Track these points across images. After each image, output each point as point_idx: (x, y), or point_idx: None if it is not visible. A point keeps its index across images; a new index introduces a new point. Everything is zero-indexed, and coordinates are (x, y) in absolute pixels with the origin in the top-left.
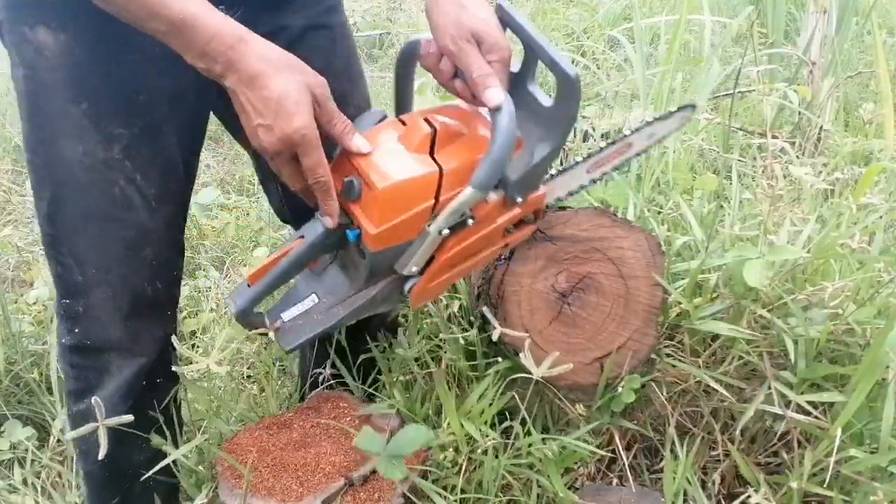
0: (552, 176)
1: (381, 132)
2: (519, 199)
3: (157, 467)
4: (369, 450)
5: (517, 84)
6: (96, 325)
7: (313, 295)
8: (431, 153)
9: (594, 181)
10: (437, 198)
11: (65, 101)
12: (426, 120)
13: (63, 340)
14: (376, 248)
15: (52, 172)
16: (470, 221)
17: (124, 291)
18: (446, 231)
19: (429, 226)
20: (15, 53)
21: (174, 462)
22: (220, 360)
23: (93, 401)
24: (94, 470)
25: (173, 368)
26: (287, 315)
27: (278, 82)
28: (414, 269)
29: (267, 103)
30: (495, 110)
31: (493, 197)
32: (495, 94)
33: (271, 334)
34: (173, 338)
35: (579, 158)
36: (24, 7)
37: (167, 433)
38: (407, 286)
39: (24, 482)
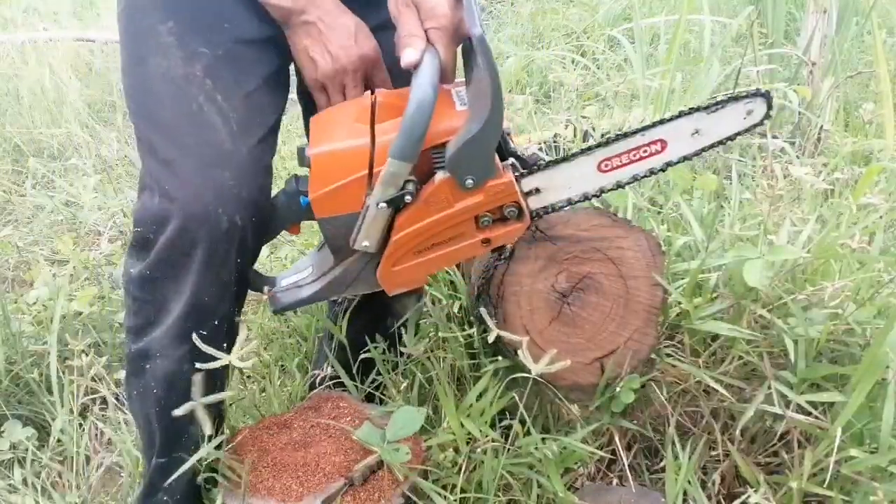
0: (542, 166)
1: (343, 105)
2: (469, 182)
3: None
4: (369, 442)
5: (470, 62)
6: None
7: (310, 267)
8: (372, 125)
9: (611, 187)
10: (371, 168)
11: (154, 21)
12: (371, 92)
13: (131, 270)
14: (320, 215)
15: (141, 85)
16: (408, 198)
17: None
18: (383, 205)
19: (367, 195)
20: None
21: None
22: (241, 355)
23: (193, 378)
24: (151, 412)
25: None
26: (284, 282)
27: (350, 16)
28: (365, 243)
29: (347, 28)
30: (414, 70)
31: (440, 176)
32: (410, 53)
33: (264, 297)
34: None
35: (578, 149)
36: None
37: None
38: (377, 269)
39: (24, 482)
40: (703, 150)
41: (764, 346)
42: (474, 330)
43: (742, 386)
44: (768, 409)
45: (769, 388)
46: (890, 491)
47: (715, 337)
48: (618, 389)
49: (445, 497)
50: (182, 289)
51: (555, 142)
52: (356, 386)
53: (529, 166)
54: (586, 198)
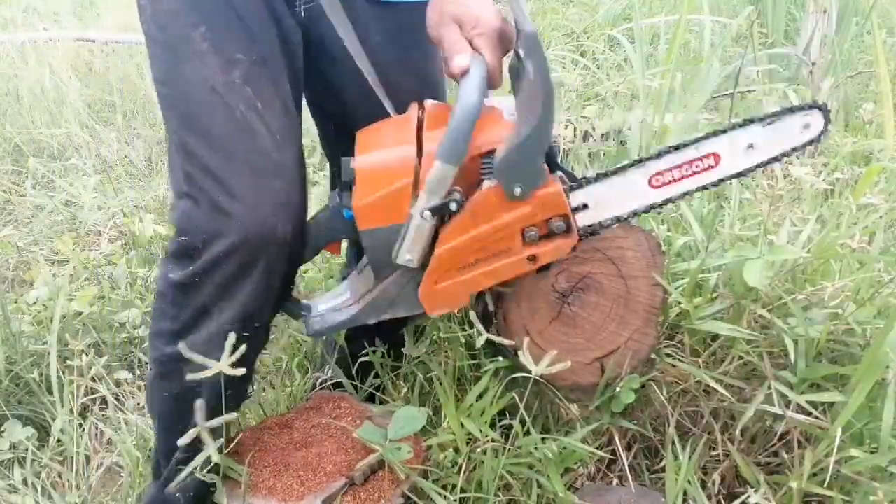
0: (591, 180)
1: (390, 119)
2: (517, 191)
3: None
4: (371, 440)
5: (519, 71)
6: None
7: (348, 292)
8: (419, 136)
9: (661, 203)
10: (416, 177)
11: (185, 26)
12: (419, 105)
13: (171, 275)
14: (363, 227)
15: (181, 94)
16: (453, 206)
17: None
18: (428, 213)
19: (412, 206)
20: None
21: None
22: (232, 362)
23: (196, 404)
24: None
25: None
26: (322, 307)
27: None
28: (408, 257)
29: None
30: (461, 77)
31: (487, 184)
32: (460, 59)
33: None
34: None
35: (630, 161)
36: None
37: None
38: (419, 287)
39: (25, 482)
40: (759, 166)
41: (764, 346)
42: (475, 330)
43: (742, 386)
44: (768, 409)
45: (769, 388)
46: (890, 491)
47: (715, 337)
48: (618, 389)
49: (445, 497)
50: (234, 296)
51: (555, 142)
52: (356, 387)
53: (577, 180)
54: (635, 214)
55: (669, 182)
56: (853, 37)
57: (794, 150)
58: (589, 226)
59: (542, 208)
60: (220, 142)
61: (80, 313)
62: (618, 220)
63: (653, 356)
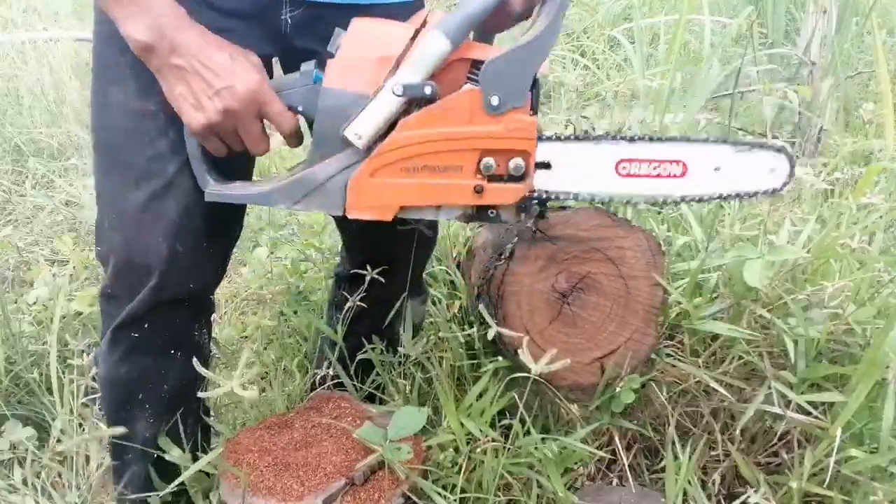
0: (563, 136)
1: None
2: (495, 100)
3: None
4: (371, 441)
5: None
6: (112, 269)
7: (269, 179)
8: (418, 31)
9: (623, 195)
10: (403, 54)
11: (115, 50)
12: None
13: (100, 286)
14: (327, 84)
15: (100, 117)
16: (428, 90)
17: (136, 241)
18: (400, 88)
19: (386, 80)
20: (95, 8)
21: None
22: (245, 383)
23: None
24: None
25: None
26: (235, 184)
27: (225, 49)
28: (358, 132)
29: (224, 65)
30: None
31: (467, 86)
32: None
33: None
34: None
35: (604, 133)
36: None
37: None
38: (351, 176)
39: (25, 482)
40: (720, 198)
41: (764, 346)
42: (474, 330)
43: (742, 386)
44: (768, 409)
45: (769, 388)
46: (890, 491)
47: (715, 337)
48: (618, 389)
49: (445, 497)
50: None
51: (544, 78)
52: (356, 387)
53: (548, 136)
54: (594, 199)
55: (636, 175)
56: (853, 37)
57: (755, 193)
58: (546, 190)
59: (511, 133)
60: (121, 164)
61: (80, 313)
62: (576, 197)
63: (653, 356)
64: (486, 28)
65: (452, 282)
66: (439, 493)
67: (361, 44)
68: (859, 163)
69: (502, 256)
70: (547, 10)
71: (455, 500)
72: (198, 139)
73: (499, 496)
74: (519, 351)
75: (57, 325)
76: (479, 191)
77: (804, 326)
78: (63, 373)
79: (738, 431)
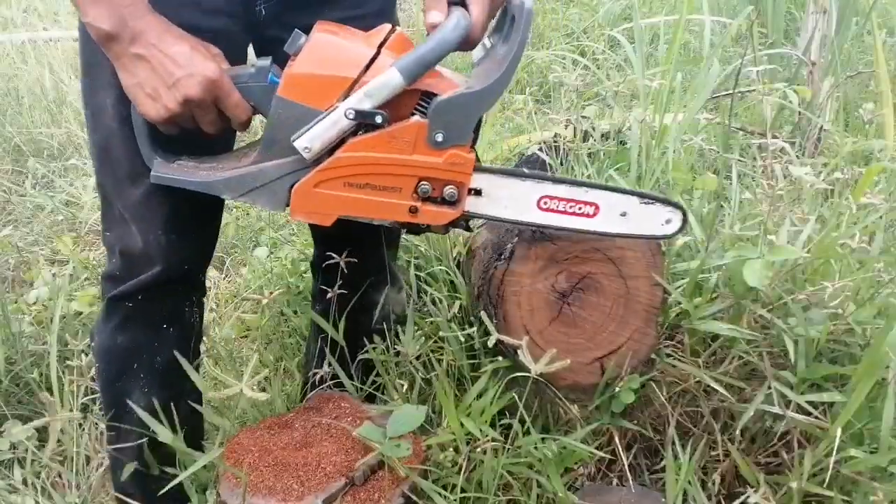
0: (495, 169)
1: (356, 30)
2: (439, 137)
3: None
4: (370, 438)
5: (499, 34)
6: (118, 257)
7: (215, 162)
8: (381, 46)
9: (540, 224)
10: (359, 77)
11: (101, 54)
12: (390, 29)
13: (103, 271)
14: (282, 93)
15: (93, 119)
16: (379, 119)
17: (138, 231)
18: (352, 113)
19: (340, 101)
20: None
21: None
22: (252, 385)
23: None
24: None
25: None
26: (182, 161)
27: (185, 40)
28: (307, 145)
29: (184, 54)
30: (431, 30)
31: (415, 118)
32: (434, 15)
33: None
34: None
35: (533, 172)
36: None
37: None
38: (296, 182)
39: (25, 482)
40: (622, 236)
41: (764, 346)
42: (474, 329)
43: (742, 386)
44: (768, 409)
45: (769, 388)
46: (890, 491)
47: (715, 337)
48: (618, 389)
49: (445, 497)
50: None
51: (555, 142)
52: (357, 388)
53: (482, 165)
54: (516, 224)
55: (553, 210)
56: (853, 37)
57: (653, 237)
58: (474, 213)
59: (450, 167)
60: (120, 165)
61: (80, 313)
62: (501, 221)
63: (653, 356)
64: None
65: (452, 282)
66: (439, 493)
67: (320, 58)
68: (859, 163)
69: (502, 256)
70: (503, 53)
71: (455, 500)
72: (158, 125)
73: (499, 496)
74: (519, 351)
75: (57, 325)
76: (413, 211)
77: (804, 326)
78: (63, 373)
79: (738, 431)
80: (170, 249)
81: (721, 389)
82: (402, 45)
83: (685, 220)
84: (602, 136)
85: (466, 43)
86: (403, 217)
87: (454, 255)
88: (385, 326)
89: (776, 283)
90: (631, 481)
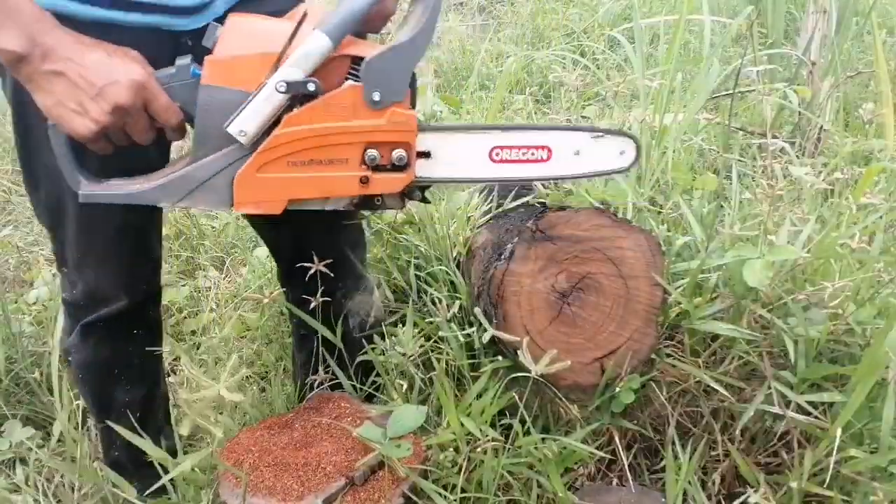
0: (440, 127)
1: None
2: (376, 96)
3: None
4: (370, 439)
5: (412, 9)
6: (81, 292)
7: (148, 175)
8: (299, 24)
9: (497, 179)
10: (283, 52)
11: (40, 118)
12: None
13: (63, 295)
14: (206, 82)
15: (43, 173)
16: (311, 86)
17: (101, 276)
18: (283, 85)
19: (268, 77)
20: (6, 71)
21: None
22: (230, 385)
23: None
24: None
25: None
26: (113, 181)
27: (101, 47)
28: (242, 129)
29: (102, 61)
30: None
31: (349, 83)
32: None
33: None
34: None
35: (478, 124)
36: None
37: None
38: (237, 173)
39: (27, 481)
40: (578, 177)
41: (764, 346)
42: (474, 330)
43: (742, 386)
44: (768, 409)
45: (769, 388)
46: (890, 491)
47: (715, 337)
48: (618, 389)
49: (445, 497)
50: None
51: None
52: (357, 388)
53: (428, 124)
54: (472, 182)
55: (507, 161)
56: (853, 37)
57: (610, 172)
58: (427, 177)
59: (393, 126)
60: (73, 218)
61: None
62: (456, 182)
63: (653, 356)
64: (362, 28)
65: (452, 282)
66: (439, 494)
67: (240, 40)
68: (859, 163)
69: (502, 256)
70: (421, 9)
71: (455, 501)
72: (87, 144)
73: (499, 496)
74: (519, 351)
75: (57, 325)
76: (364, 181)
77: (804, 326)
78: (63, 373)
79: (738, 431)
80: (134, 283)
81: (721, 389)
82: (321, 17)
83: (639, 149)
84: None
85: (379, 13)
86: (355, 189)
87: (454, 255)
88: (362, 331)
89: (776, 283)
90: (631, 481)
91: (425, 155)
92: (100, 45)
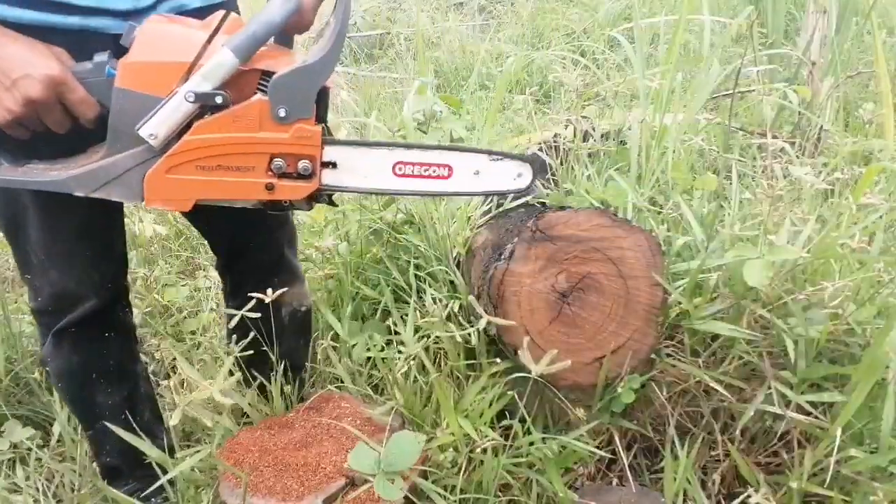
0: (345, 141)
1: (190, 19)
2: (282, 112)
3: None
4: (362, 471)
5: (329, 20)
6: (49, 296)
7: (67, 162)
8: (214, 33)
9: (399, 192)
10: (195, 62)
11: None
12: (223, 16)
13: (30, 304)
14: (120, 85)
15: None
16: (219, 99)
17: (68, 276)
18: (192, 95)
19: (178, 85)
20: None
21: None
22: (224, 389)
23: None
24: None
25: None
26: (32, 164)
27: (21, 41)
28: (152, 132)
29: (20, 55)
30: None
31: (256, 97)
32: None
33: None
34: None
35: (382, 140)
36: None
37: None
38: (147, 171)
39: (27, 481)
40: (477, 194)
41: (764, 346)
42: (474, 329)
43: (742, 386)
44: (768, 409)
45: (769, 388)
46: (890, 491)
47: (715, 337)
48: (618, 390)
49: (445, 497)
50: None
51: (555, 142)
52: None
53: (333, 138)
54: (376, 193)
55: (409, 175)
56: (853, 37)
57: (507, 192)
58: (332, 185)
59: (297, 140)
60: (37, 217)
61: None
62: (359, 192)
63: (653, 356)
64: (282, 33)
65: (452, 282)
66: (439, 494)
67: (154, 46)
68: (859, 163)
69: (502, 256)
70: (329, 31)
71: (455, 501)
72: (2, 129)
73: (499, 496)
74: (519, 351)
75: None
76: (270, 188)
77: (804, 326)
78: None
79: (738, 431)
80: (101, 282)
81: (721, 389)
82: (236, 28)
83: (535, 173)
84: (602, 136)
85: (299, 23)
86: (261, 195)
87: (454, 255)
88: (294, 320)
89: (776, 283)
90: (631, 481)
91: (331, 165)
92: (21, 39)
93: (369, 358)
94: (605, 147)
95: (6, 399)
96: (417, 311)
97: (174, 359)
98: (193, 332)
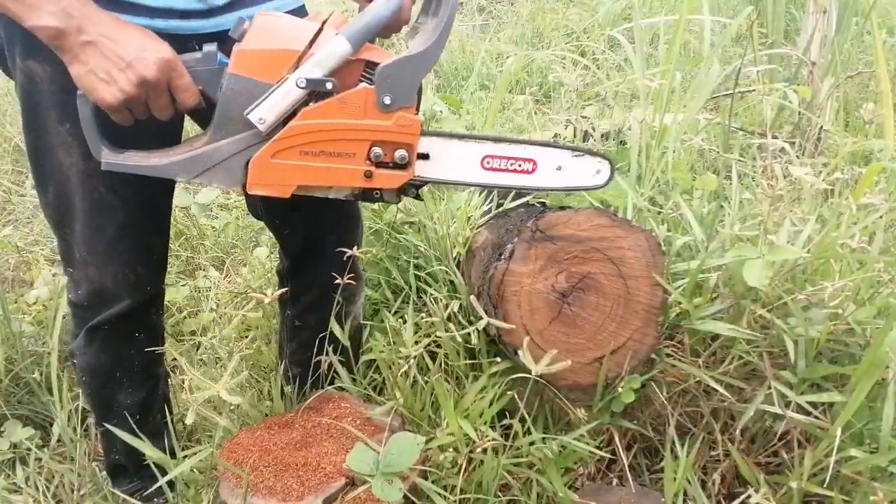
0: (440, 132)
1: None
2: (387, 100)
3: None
4: (361, 471)
5: (427, 11)
6: (86, 292)
7: (164, 151)
8: (321, 27)
9: (486, 185)
10: (306, 50)
11: (53, 120)
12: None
13: (69, 296)
14: (233, 70)
15: (52, 174)
16: (329, 85)
17: (106, 274)
18: (303, 81)
19: (289, 72)
20: (17, 75)
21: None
22: (230, 387)
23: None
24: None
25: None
26: (130, 153)
27: (134, 28)
28: (261, 117)
29: (133, 38)
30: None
31: (363, 85)
32: None
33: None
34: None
35: (473, 133)
36: (17, 43)
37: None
38: (253, 156)
39: (27, 481)
40: (558, 190)
41: (764, 346)
42: (474, 329)
43: (742, 386)
44: (768, 409)
45: (769, 388)
46: (890, 491)
47: (715, 337)
48: (618, 390)
49: (445, 497)
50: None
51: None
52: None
53: (428, 130)
54: (464, 185)
55: (497, 169)
56: (853, 37)
57: (586, 188)
58: (424, 177)
59: (399, 129)
60: (81, 215)
61: None
62: (447, 184)
63: (653, 356)
64: (379, 35)
65: (452, 282)
66: (439, 494)
67: (267, 35)
68: (859, 163)
69: (502, 256)
70: (434, 24)
71: (455, 501)
72: (110, 113)
73: (499, 496)
74: (519, 351)
75: (57, 325)
76: (368, 175)
77: (804, 326)
78: (63, 373)
79: (738, 431)
80: (137, 283)
81: (721, 389)
82: (341, 23)
83: (613, 170)
84: (602, 136)
85: (397, 21)
86: (359, 182)
87: (454, 255)
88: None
89: (776, 283)
90: (631, 481)
91: (424, 156)
92: (133, 26)
93: (369, 358)
94: (605, 147)
95: (6, 399)
96: (418, 312)
97: (174, 359)
98: (193, 333)
